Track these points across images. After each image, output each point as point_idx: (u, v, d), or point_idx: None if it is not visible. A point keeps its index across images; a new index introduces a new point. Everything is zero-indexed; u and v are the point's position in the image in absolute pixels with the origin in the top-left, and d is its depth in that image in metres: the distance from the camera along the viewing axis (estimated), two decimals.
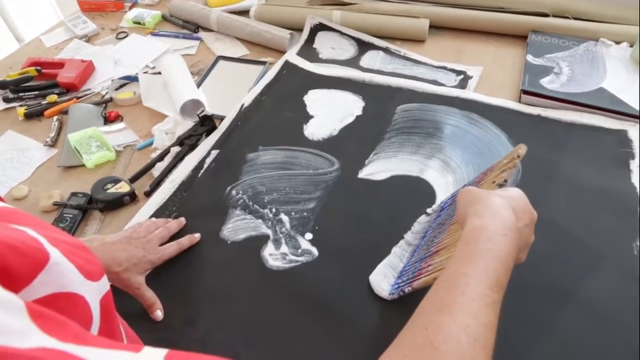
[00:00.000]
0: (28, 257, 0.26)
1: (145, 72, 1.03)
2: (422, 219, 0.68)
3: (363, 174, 0.77)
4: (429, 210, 0.69)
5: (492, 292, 0.38)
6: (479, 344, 0.34)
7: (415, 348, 0.35)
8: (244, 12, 1.18)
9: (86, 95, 0.99)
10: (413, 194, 0.73)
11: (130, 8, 1.28)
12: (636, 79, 0.89)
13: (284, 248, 0.66)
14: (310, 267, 0.64)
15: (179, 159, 0.81)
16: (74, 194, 0.75)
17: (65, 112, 0.94)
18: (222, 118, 0.89)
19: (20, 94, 0.98)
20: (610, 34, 1.00)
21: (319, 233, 0.68)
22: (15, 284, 0.25)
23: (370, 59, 1.03)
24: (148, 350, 0.24)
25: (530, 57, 0.96)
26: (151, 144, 0.86)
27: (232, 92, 0.97)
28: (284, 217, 0.70)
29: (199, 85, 0.98)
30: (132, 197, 0.75)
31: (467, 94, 0.91)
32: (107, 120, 0.92)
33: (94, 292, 0.31)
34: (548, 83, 0.89)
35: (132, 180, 0.78)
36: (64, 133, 0.88)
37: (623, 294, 0.59)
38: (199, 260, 0.66)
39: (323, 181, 0.76)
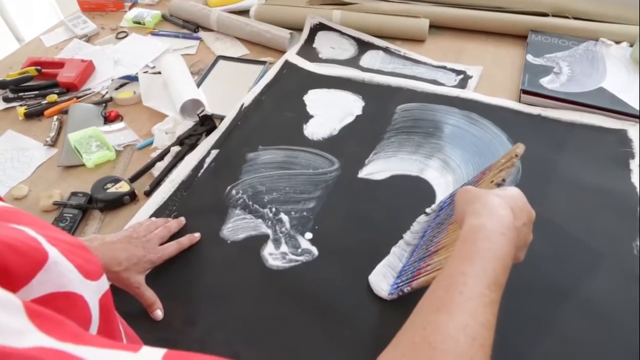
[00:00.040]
0: (27, 256, 0.26)
1: (145, 72, 1.03)
2: (421, 218, 0.68)
3: (363, 173, 0.77)
4: (428, 210, 0.69)
5: (491, 291, 0.38)
6: (477, 343, 0.34)
7: (413, 348, 0.35)
8: (244, 12, 1.18)
9: (86, 95, 0.99)
10: (413, 193, 0.73)
11: (130, 8, 1.28)
12: (636, 78, 0.89)
13: (284, 247, 0.66)
14: (310, 266, 0.64)
15: (178, 158, 0.81)
16: (74, 194, 0.75)
17: (65, 111, 0.94)
18: (222, 118, 0.89)
19: (20, 94, 0.98)
20: (610, 34, 1.00)
21: (318, 233, 0.68)
22: (14, 283, 0.25)
23: (370, 58, 1.03)
24: (146, 350, 0.24)
25: (530, 57, 0.96)
26: (151, 143, 0.86)
27: (232, 91, 0.97)
28: (284, 217, 0.71)
29: (198, 85, 0.98)
30: (132, 196, 0.75)
31: (467, 93, 0.91)
32: (107, 119, 0.92)
33: (93, 291, 0.31)
34: (548, 83, 0.89)
35: (132, 179, 0.78)
36: (64, 133, 0.88)
37: (623, 294, 0.59)
38: (199, 260, 0.66)
39: (323, 181, 0.76)
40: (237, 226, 0.70)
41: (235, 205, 0.73)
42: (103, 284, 0.33)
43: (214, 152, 0.82)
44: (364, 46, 1.07)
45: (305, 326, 0.58)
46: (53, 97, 0.96)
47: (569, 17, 1.04)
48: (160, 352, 0.24)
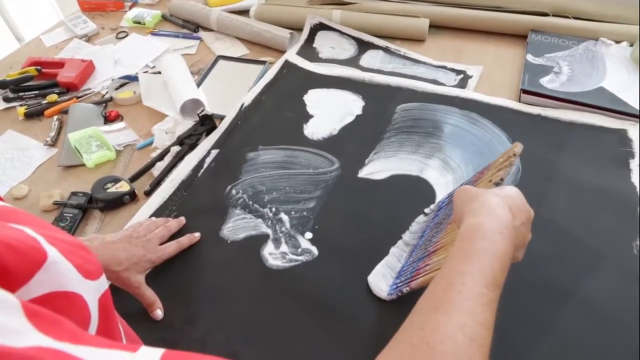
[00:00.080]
0: (26, 255, 0.26)
1: (145, 72, 1.03)
2: (420, 218, 0.68)
3: (363, 173, 0.77)
4: (426, 210, 0.69)
5: (489, 290, 0.38)
6: (475, 343, 0.34)
7: (411, 348, 0.34)
8: (244, 12, 1.18)
9: (86, 94, 0.99)
10: (413, 193, 0.73)
11: (131, 8, 1.28)
12: (636, 78, 0.89)
13: (284, 247, 0.67)
14: (310, 266, 0.64)
15: (179, 158, 0.81)
16: (74, 194, 0.75)
17: (65, 111, 0.94)
18: (222, 117, 0.89)
19: (21, 94, 0.98)
20: (610, 34, 1.00)
21: (318, 232, 0.68)
22: (13, 283, 0.25)
23: (370, 58, 1.03)
24: (145, 350, 0.24)
25: (530, 57, 0.96)
26: (151, 143, 0.86)
27: (232, 91, 0.97)
28: (284, 217, 0.71)
29: (199, 84, 0.98)
30: (132, 196, 0.75)
31: (467, 93, 0.91)
32: (107, 119, 0.92)
33: (92, 291, 0.31)
34: (548, 82, 0.89)
35: (132, 179, 0.78)
36: (64, 132, 0.88)
37: (623, 293, 0.59)
38: (198, 260, 0.66)
39: (323, 180, 0.76)
40: (237, 226, 0.70)
41: (235, 205, 0.73)
42: (102, 284, 0.33)
43: (214, 152, 0.82)
44: (363, 46, 1.07)
45: (305, 326, 0.58)
46: (53, 97, 0.96)
47: (569, 16, 1.04)
48: (159, 352, 0.24)
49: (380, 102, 0.90)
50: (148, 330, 0.56)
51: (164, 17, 1.23)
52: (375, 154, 0.80)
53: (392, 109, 0.88)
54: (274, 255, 0.66)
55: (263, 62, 1.04)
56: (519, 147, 0.56)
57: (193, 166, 0.80)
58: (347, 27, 1.11)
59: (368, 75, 0.97)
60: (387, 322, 0.57)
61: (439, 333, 0.34)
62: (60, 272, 0.28)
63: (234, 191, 0.75)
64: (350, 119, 0.88)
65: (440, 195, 0.72)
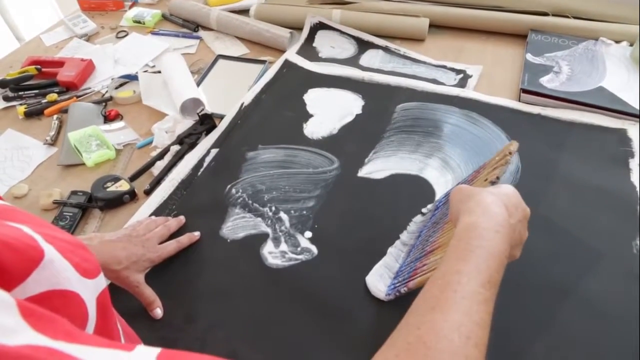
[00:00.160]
0: (23, 254, 0.26)
1: (145, 71, 1.03)
2: (418, 218, 0.68)
3: (363, 172, 0.77)
4: (424, 210, 0.69)
5: (485, 289, 0.38)
6: (471, 342, 0.34)
7: (408, 347, 0.34)
8: (244, 11, 1.18)
9: (86, 94, 0.99)
10: (413, 192, 0.73)
11: (130, 7, 1.28)
12: (636, 78, 0.89)
13: (284, 246, 0.67)
14: (309, 265, 0.64)
15: (178, 157, 0.81)
16: (73, 193, 0.76)
17: (65, 110, 0.94)
18: (221, 117, 0.89)
19: (20, 93, 0.98)
20: (610, 33, 1.00)
21: (318, 231, 0.68)
22: (10, 281, 0.25)
23: (369, 57, 1.03)
24: (141, 349, 0.24)
25: (529, 56, 0.96)
26: (151, 142, 0.86)
27: (232, 90, 0.97)
28: (284, 216, 0.71)
29: (198, 84, 0.98)
30: (131, 195, 0.75)
31: (467, 92, 0.90)
32: (107, 118, 0.92)
33: (90, 289, 0.31)
34: (548, 82, 0.89)
35: (132, 178, 0.78)
36: (64, 132, 0.88)
37: (623, 293, 0.58)
38: (198, 259, 0.66)
39: (323, 180, 0.76)
40: (237, 225, 0.70)
41: (235, 204, 0.73)
42: (100, 283, 0.33)
43: (214, 151, 0.82)
44: (363, 45, 1.07)
45: (304, 324, 0.58)
46: (53, 96, 0.96)
47: (569, 16, 1.04)
48: (155, 351, 0.24)
49: (380, 101, 0.90)
50: (147, 329, 0.56)
51: (164, 17, 1.23)
52: (375, 153, 0.80)
53: (391, 109, 0.88)
54: (273, 254, 0.66)
55: (263, 62, 1.04)
56: (514, 146, 0.56)
57: (193, 165, 0.80)
58: (347, 26, 1.11)
59: (368, 74, 0.97)
60: (385, 322, 0.57)
61: (435, 332, 0.34)
62: (57, 271, 0.28)
63: (233, 190, 0.75)
64: (350, 118, 0.88)
65: (440, 194, 0.72)
